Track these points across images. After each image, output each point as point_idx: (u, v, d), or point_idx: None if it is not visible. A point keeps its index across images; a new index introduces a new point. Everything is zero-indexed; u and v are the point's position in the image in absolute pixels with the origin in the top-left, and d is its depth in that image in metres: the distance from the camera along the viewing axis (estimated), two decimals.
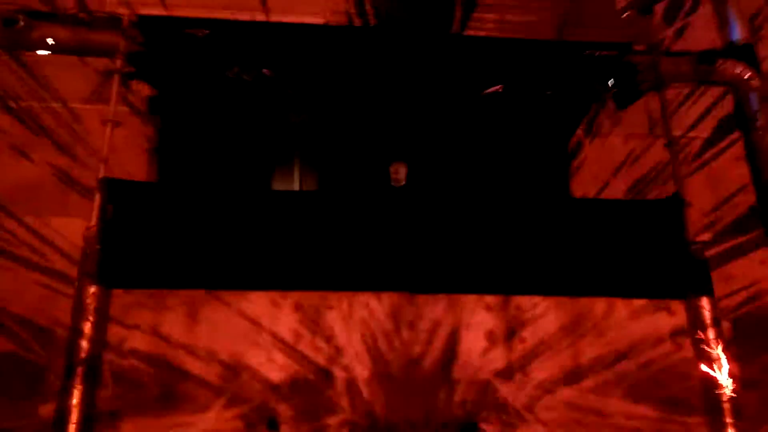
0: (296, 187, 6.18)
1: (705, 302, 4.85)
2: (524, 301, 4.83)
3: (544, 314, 4.81)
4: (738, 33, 6.48)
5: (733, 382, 4.63)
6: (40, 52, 5.90)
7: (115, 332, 4.42)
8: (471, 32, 5.90)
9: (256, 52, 5.67)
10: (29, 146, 5.69)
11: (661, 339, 4.77)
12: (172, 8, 5.53)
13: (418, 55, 5.86)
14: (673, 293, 4.92)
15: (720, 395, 4.65)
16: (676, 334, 4.80)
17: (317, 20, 5.63)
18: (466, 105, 6.05)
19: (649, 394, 4.65)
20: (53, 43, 5.86)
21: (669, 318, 4.84)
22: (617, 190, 6.11)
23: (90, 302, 4.38)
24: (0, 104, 5.76)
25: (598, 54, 5.91)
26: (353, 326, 4.64)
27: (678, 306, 4.88)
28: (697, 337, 4.79)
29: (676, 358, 4.74)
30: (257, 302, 4.63)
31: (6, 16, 5.78)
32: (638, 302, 4.89)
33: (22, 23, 5.78)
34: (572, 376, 4.67)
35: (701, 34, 6.61)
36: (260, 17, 5.57)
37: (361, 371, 4.55)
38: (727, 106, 6.30)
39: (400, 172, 5.72)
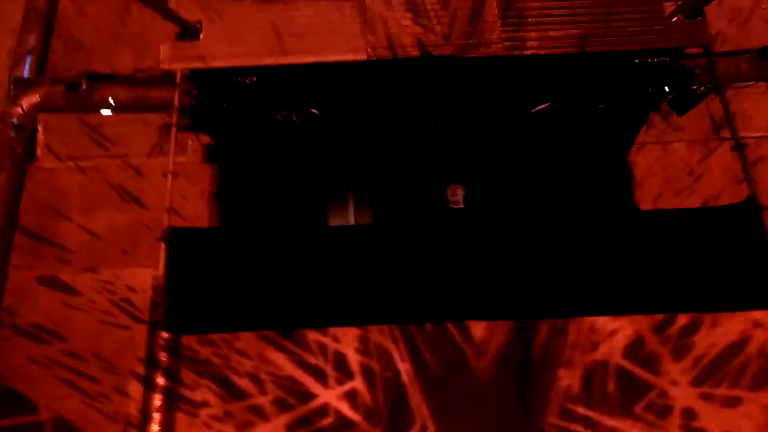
0: (351, 221, 6.22)
1: None
2: (598, 322, 4.63)
3: (620, 335, 4.59)
4: None
5: None
6: (103, 112, 6.25)
7: (186, 377, 4.50)
8: (516, 52, 5.83)
9: (303, 93, 5.78)
10: (100, 202, 5.98)
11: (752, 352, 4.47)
12: (222, 59, 5.72)
13: (465, 80, 5.83)
14: (759, 303, 4.60)
15: None
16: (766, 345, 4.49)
17: (359, 56, 5.70)
18: (519, 124, 5.95)
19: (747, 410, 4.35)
20: (114, 103, 6.20)
21: (758, 330, 4.54)
22: (686, 199, 5.84)
23: (162, 349, 4.49)
24: (71, 164, 6.10)
25: (651, 61, 5.71)
26: (421, 359, 4.57)
27: (766, 317, 4.57)
28: None
29: None
30: (321, 339, 4.63)
31: (70, 81, 6.16)
32: (723, 316, 4.60)
33: (84, 86, 6.14)
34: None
35: (759, 31, 6.35)
36: (304, 59, 5.68)
37: (432, 404, 4.46)
38: None
39: (457, 194, 5.68)
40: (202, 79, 5.65)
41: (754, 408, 4.46)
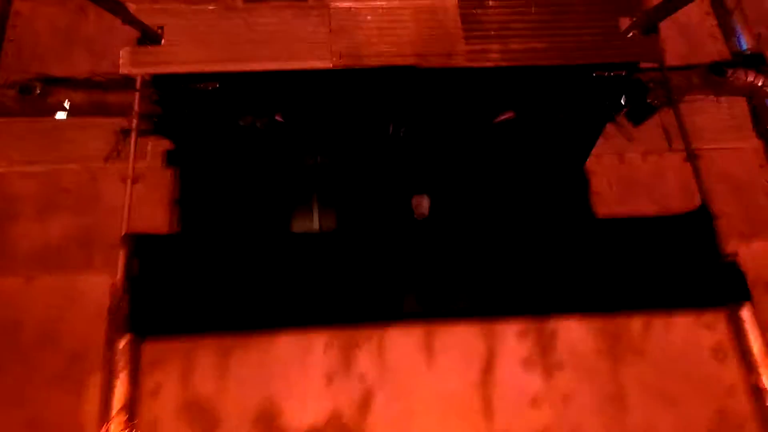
0: (316, 227, 6.18)
1: (746, 311, 4.72)
2: (558, 325, 4.72)
3: (580, 337, 4.69)
4: (745, 43, 6.49)
5: None
6: (58, 116, 6.07)
7: (147, 383, 4.38)
8: (478, 64, 5.95)
9: (266, 100, 5.76)
10: (53, 208, 5.78)
11: (703, 353, 4.63)
12: (183, 65, 5.65)
13: (428, 90, 5.91)
14: (711, 305, 4.79)
15: None
16: (717, 347, 4.65)
17: (324, 64, 5.72)
18: (480, 134, 6.05)
19: (697, 412, 4.48)
20: (69, 107, 6.03)
21: (709, 332, 4.70)
22: (641, 206, 6.02)
23: (121, 355, 4.36)
24: (22, 170, 5.88)
25: (607, 74, 5.91)
26: (384, 362, 4.56)
27: (718, 318, 4.74)
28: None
29: (721, 372, 4.58)
30: (286, 344, 4.57)
31: (23, 84, 5.96)
32: (677, 317, 4.76)
33: (38, 90, 5.96)
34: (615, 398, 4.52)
35: (709, 48, 6.64)
36: (267, 66, 5.67)
37: (396, 407, 4.45)
38: (742, 113, 6.27)
39: (423, 205, 5.72)
40: (164, 84, 5.57)
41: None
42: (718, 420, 4.49)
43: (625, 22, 6.03)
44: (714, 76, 6.21)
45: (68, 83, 6.15)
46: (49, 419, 4.72)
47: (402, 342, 4.64)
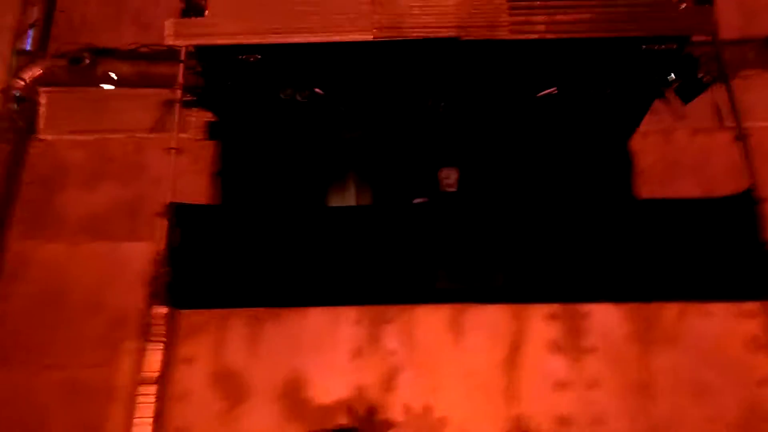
0: (352, 202, 6.24)
1: None
2: (591, 309, 4.66)
3: (613, 322, 4.62)
4: None
5: None
6: (105, 87, 6.24)
7: (181, 351, 4.54)
8: (522, 36, 5.79)
9: (307, 73, 5.75)
10: (99, 176, 5.98)
11: (739, 344, 4.50)
12: (227, 37, 5.68)
13: (469, 63, 5.80)
14: (750, 295, 4.64)
15: None
16: (755, 337, 4.52)
17: (365, 36, 5.66)
18: (523, 109, 5.93)
19: (727, 403, 4.39)
20: (116, 77, 6.18)
21: (747, 322, 4.57)
22: (686, 188, 5.84)
23: (160, 323, 4.52)
24: (70, 139, 6.09)
25: (657, 48, 5.67)
26: (413, 339, 4.61)
27: (756, 308, 4.60)
28: None
29: (755, 363, 4.46)
30: (318, 318, 4.66)
31: (73, 55, 6.14)
32: (713, 306, 4.63)
33: (87, 61, 6.12)
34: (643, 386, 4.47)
35: (765, 19, 6.31)
36: (309, 39, 5.65)
37: (422, 385, 4.50)
38: None
39: (450, 177, 5.70)
40: (207, 56, 5.62)
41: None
42: (749, 412, 4.39)
43: None
44: None
45: (115, 54, 6.31)
46: (86, 381, 4.99)
47: (430, 320, 4.66)
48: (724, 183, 5.68)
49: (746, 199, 4.96)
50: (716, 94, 5.86)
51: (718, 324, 4.57)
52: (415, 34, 5.70)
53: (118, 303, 5.23)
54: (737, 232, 4.87)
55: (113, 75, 6.17)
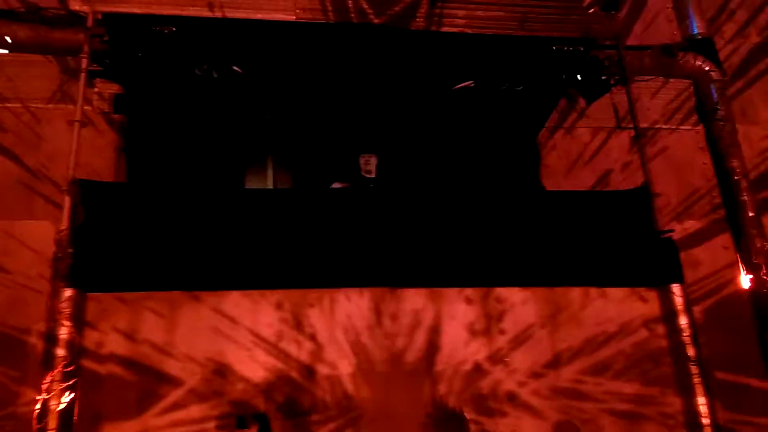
0: (270, 185, 6.12)
1: (677, 289, 5.02)
2: (503, 292, 4.90)
3: (522, 305, 4.89)
4: (697, 27, 6.67)
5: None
6: None
7: (92, 336, 4.30)
8: (443, 29, 5.92)
9: (225, 50, 5.56)
10: None
11: (636, 326, 4.92)
12: (139, 6, 5.39)
13: (389, 51, 5.85)
14: (646, 281, 5.07)
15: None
16: (650, 321, 4.95)
17: (288, 17, 5.58)
18: (438, 99, 6.07)
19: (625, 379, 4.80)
20: (11, 41, 5.68)
21: (643, 306, 4.99)
22: (587, 182, 6.23)
23: (65, 307, 4.26)
24: None
25: (566, 49, 5.99)
26: (335, 322, 4.63)
27: (651, 294, 5.04)
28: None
29: (651, 344, 4.90)
30: (237, 302, 4.57)
31: None
32: (613, 291, 5.02)
33: None
34: (552, 363, 4.78)
35: (663, 29, 6.80)
36: (229, 14, 5.48)
37: (345, 367, 4.56)
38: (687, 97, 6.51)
39: (370, 163, 5.78)
40: (117, 24, 5.31)
41: None
42: (643, 388, 4.81)
43: None
44: (665, 58, 6.37)
45: (11, 16, 5.78)
46: None
47: (352, 303, 4.71)
48: (621, 178, 6.15)
49: (643, 192, 5.40)
50: (616, 96, 6.28)
51: (617, 307, 4.97)
52: (337, 17, 5.70)
53: (19, 285, 4.84)
54: (635, 224, 5.30)
55: (8, 39, 5.65)
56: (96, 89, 5.78)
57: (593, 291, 5.03)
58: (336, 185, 5.66)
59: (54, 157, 5.46)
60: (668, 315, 4.97)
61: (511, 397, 4.65)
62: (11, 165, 5.51)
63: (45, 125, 5.68)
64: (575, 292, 5.03)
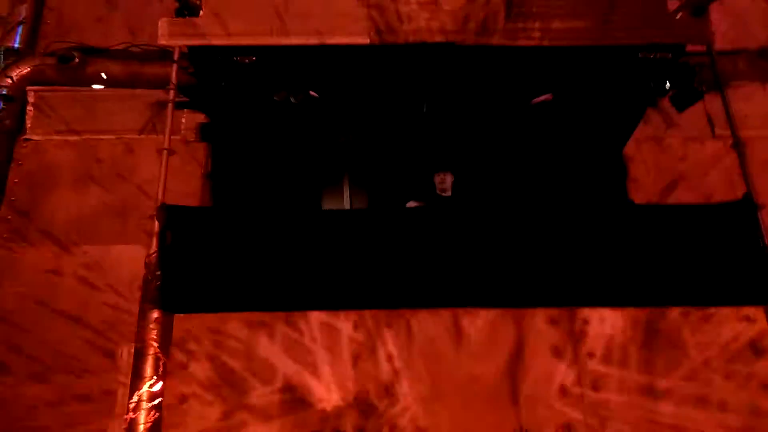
0: (347, 206, 6.17)
1: None
2: (591, 313, 4.65)
3: (612, 326, 4.61)
4: None
5: None
6: (95, 87, 6.12)
7: (177, 357, 4.43)
8: (518, 42, 5.79)
9: (302, 76, 5.69)
10: (88, 178, 5.85)
11: (741, 348, 4.52)
12: (221, 38, 5.60)
13: (465, 68, 5.78)
14: (751, 300, 4.66)
15: None
16: (757, 341, 4.54)
17: (362, 40, 5.63)
18: (516, 116, 5.93)
19: (730, 407, 4.39)
20: (106, 77, 6.07)
21: (748, 326, 4.59)
22: (678, 195, 5.87)
23: (153, 327, 4.41)
24: (60, 139, 5.96)
25: (653, 56, 5.70)
26: (411, 344, 4.55)
27: (758, 313, 4.62)
28: None
29: (757, 367, 4.48)
30: (315, 323, 4.58)
31: (62, 54, 6.01)
32: (714, 311, 4.65)
33: (77, 60, 6.01)
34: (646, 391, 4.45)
35: (756, 32, 6.39)
36: (305, 41, 5.60)
37: (422, 390, 4.44)
38: None
39: (445, 182, 5.71)
40: (201, 57, 5.54)
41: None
42: (752, 416, 4.39)
43: (673, 3, 5.78)
44: (762, 62, 5.97)
45: (106, 54, 6.20)
46: (82, 388, 4.84)
47: (430, 324, 4.61)
48: (716, 191, 5.75)
49: (746, 204, 5.00)
50: (707, 103, 5.92)
51: (719, 328, 4.58)
52: (411, 39, 5.68)
53: (110, 307, 5.09)
54: (737, 238, 4.90)
55: (104, 75, 6.05)
56: (183, 119, 6.05)
57: (693, 311, 4.66)
58: (411, 204, 5.62)
59: (145, 185, 5.73)
60: None
61: (600, 427, 4.36)
62: (107, 193, 5.84)
63: (137, 155, 5.98)
64: (673, 313, 4.68)
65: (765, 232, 4.87)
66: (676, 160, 6.09)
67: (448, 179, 5.81)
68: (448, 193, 5.78)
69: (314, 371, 4.47)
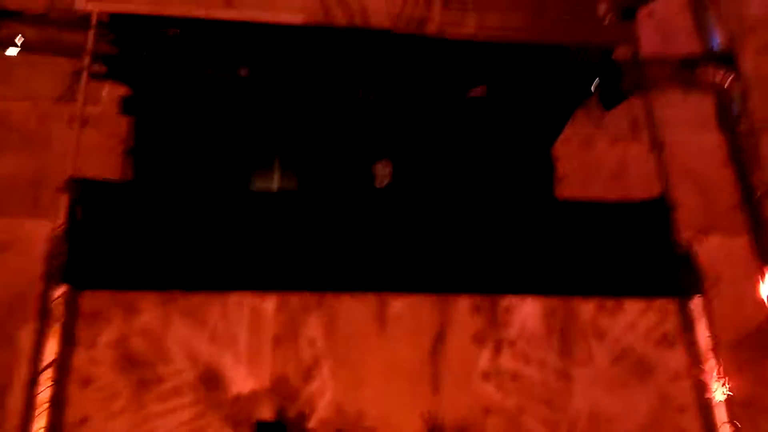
0: (275, 187, 6.00)
1: (696, 302, 4.78)
2: (513, 301, 4.70)
3: (533, 314, 4.68)
4: (718, 40, 6.52)
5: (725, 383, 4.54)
6: (8, 52, 5.74)
7: (84, 335, 4.18)
8: (453, 35, 5.80)
9: (232, 52, 5.51)
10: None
11: (653, 339, 4.67)
12: (146, 5, 5.35)
13: (399, 56, 5.75)
14: (664, 293, 4.84)
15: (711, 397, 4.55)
16: (668, 333, 4.71)
17: (296, 19, 5.50)
18: (449, 107, 5.94)
19: (641, 395, 4.53)
20: (22, 41, 5.70)
21: (660, 318, 4.75)
22: (603, 193, 6.02)
23: (58, 303, 4.14)
24: None
25: (582, 58, 5.85)
26: (333, 328, 4.46)
27: (669, 306, 4.80)
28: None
29: (668, 358, 4.64)
30: (233, 303, 4.43)
31: None
32: (628, 303, 4.79)
33: None
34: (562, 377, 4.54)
35: (682, 41, 6.65)
36: (236, 16, 5.42)
37: (343, 374, 4.36)
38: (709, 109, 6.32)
39: (385, 171, 5.64)
40: (122, 25, 5.27)
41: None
42: (661, 406, 4.54)
43: (604, 7, 5.94)
44: (685, 71, 6.22)
45: (22, 18, 5.81)
46: None
47: (353, 308, 4.55)
48: (638, 189, 5.93)
49: (661, 203, 5.20)
50: (634, 107, 6.11)
51: (633, 320, 4.72)
52: (345, 22, 5.61)
53: (14, 282, 4.74)
54: (651, 234, 5.10)
55: (19, 39, 5.67)
56: (105, 92, 5.75)
57: (608, 302, 4.78)
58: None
59: (61, 157, 5.39)
60: (687, 329, 4.71)
61: (518, 411, 4.41)
62: (19, 163, 5.47)
63: (52, 125, 5.62)
64: (590, 303, 4.80)
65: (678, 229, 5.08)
66: (601, 159, 6.25)
67: (387, 168, 5.75)
68: (387, 182, 5.72)
69: (231, 353, 4.32)
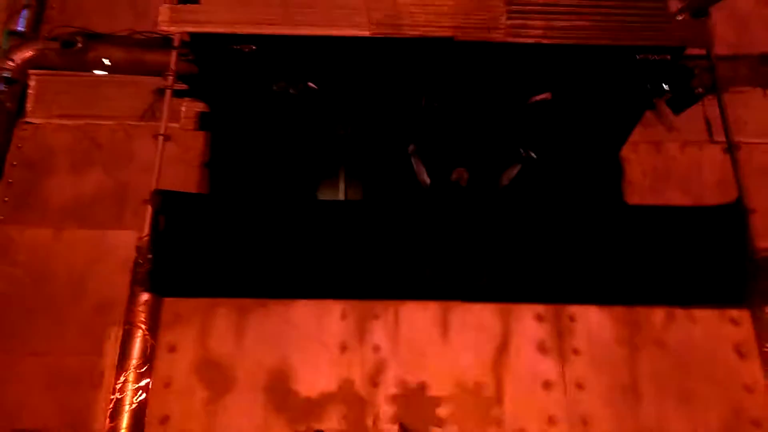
0: (342, 197, 6.18)
1: None
2: (578, 311, 4.67)
3: (599, 324, 4.63)
4: None
5: None
6: (96, 72, 6.16)
7: (165, 340, 4.47)
8: (519, 39, 5.78)
9: (301, 66, 5.71)
10: (87, 162, 5.89)
11: (725, 350, 4.53)
12: (223, 26, 5.61)
13: (464, 64, 5.79)
14: (737, 301, 4.67)
15: None
16: (740, 344, 4.55)
17: (361, 32, 5.64)
18: (516, 113, 5.93)
19: (712, 407, 4.40)
20: (109, 63, 6.10)
21: (733, 328, 4.59)
22: (674, 198, 5.87)
23: (142, 310, 4.45)
24: (59, 123, 6.00)
25: (651, 58, 5.69)
26: (399, 335, 4.57)
27: (743, 315, 4.63)
28: (764, 349, 4.52)
29: (741, 369, 4.49)
30: (304, 311, 4.62)
31: (65, 39, 6.05)
32: (700, 312, 4.66)
33: (79, 45, 6.04)
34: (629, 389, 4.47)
35: (759, 37, 6.37)
36: (305, 31, 5.61)
37: (410, 380, 4.47)
38: None
39: (463, 178, 5.71)
40: (200, 44, 5.57)
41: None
42: (733, 418, 4.40)
43: (674, 4, 5.76)
44: (763, 69, 5.95)
45: (109, 40, 6.23)
46: (71, 368, 4.88)
47: (418, 316, 4.65)
48: (712, 194, 5.74)
49: (736, 208, 5.01)
50: (707, 108, 5.92)
51: (704, 329, 4.59)
52: (411, 33, 5.69)
53: (103, 290, 5.13)
54: (726, 241, 4.91)
55: (106, 61, 6.08)
56: (183, 108, 6.08)
57: (678, 311, 4.67)
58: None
59: (143, 171, 5.74)
60: (762, 339, 4.53)
61: (582, 422, 4.38)
62: (105, 178, 5.88)
63: (136, 141, 6.01)
64: (658, 312, 4.69)
65: (754, 236, 4.88)
66: (672, 163, 6.08)
67: (465, 175, 5.81)
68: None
69: (301, 359, 4.50)
